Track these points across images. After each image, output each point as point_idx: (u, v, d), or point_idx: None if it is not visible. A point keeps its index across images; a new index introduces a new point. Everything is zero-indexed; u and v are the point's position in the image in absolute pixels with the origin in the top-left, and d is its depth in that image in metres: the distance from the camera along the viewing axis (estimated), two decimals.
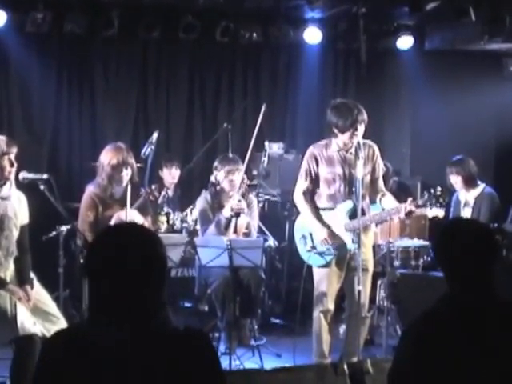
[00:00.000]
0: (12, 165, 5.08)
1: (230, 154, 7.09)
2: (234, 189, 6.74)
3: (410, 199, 5.70)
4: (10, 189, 5.12)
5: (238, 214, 6.66)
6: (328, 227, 5.81)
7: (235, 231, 6.73)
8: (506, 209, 7.35)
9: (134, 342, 2.38)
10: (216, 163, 6.94)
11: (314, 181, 5.91)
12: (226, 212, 6.70)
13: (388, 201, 5.90)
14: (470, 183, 7.31)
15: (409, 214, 5.68)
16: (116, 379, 2.35)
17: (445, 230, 3.10)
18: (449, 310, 2.90)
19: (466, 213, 7.37)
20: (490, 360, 2.81)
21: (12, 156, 5.09)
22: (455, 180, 7.30)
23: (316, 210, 5.91)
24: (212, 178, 6.96)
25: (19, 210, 5.18)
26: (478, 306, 2.90)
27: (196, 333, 2.53)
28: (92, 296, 2.49)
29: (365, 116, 5.69)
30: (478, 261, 2.92)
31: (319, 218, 5.87)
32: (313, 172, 5.89)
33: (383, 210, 5.89)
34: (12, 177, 5.12)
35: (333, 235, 5.79)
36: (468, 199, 7.41)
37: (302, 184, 5.96)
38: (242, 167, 6.76)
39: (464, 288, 2.92)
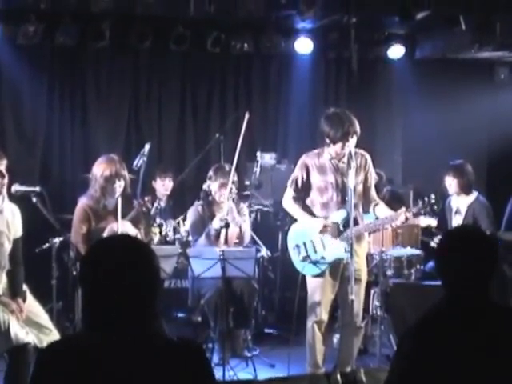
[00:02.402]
0: (3, 176, 5.05)
1: (226, 166, 7.00)
2: (225, 201, 6.75)
3: (403, 208, 5.72)
4: (3, 202, 5.10)
5: (227, 225, 6.66)
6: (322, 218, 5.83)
7: (226, 241, 6.74)
8: (500, 216, 7.36)
9: (128, 353, 2.39)
10: (211, 173, 6.94)
11: (300, 190, 5.93)
12: (216, 224, 6.72)
13: (381, 209, 5.92)
14: (464, 189, 7.32)
15: (403, 221, 5.70)
16: None
17: (450, 236, 3.12)
18: (446, 317, 2.91)
19: (458, 220, 7.36)
20: (488, 366, 2.82)
21: (2, 168, 5.07)
22: (450, 182, 7.31)
23: (306, 208, 5.92)
24: (205, 187, 6.96)
25: (12, 223, 5.16)
26: (477, 313, 2.91)
27: (190, 344, 2.55)
28: (86, 308, 2.50)
29: (357, 128, 5.70)
30: (479, 268, 2.94)
31: (311, 213, 5.88)
32: (299, 181, 5.91)
33: (377, 218, 5.91)
34: (4, 190, 5.09)
35: (329, 222, 5.78)
36: (460, 206, 7.40)
37: (289, 191, 6.00)
38: (233, 178, 6.78)
39: (464, 294, 2.93)
